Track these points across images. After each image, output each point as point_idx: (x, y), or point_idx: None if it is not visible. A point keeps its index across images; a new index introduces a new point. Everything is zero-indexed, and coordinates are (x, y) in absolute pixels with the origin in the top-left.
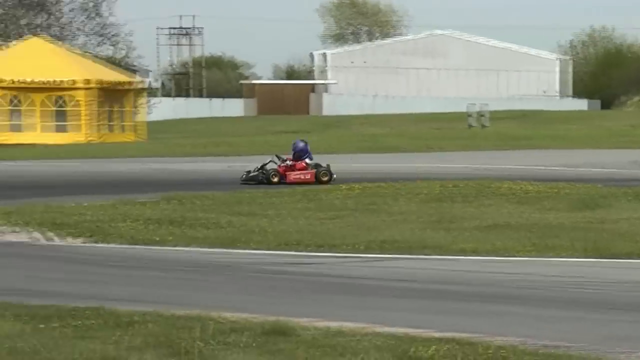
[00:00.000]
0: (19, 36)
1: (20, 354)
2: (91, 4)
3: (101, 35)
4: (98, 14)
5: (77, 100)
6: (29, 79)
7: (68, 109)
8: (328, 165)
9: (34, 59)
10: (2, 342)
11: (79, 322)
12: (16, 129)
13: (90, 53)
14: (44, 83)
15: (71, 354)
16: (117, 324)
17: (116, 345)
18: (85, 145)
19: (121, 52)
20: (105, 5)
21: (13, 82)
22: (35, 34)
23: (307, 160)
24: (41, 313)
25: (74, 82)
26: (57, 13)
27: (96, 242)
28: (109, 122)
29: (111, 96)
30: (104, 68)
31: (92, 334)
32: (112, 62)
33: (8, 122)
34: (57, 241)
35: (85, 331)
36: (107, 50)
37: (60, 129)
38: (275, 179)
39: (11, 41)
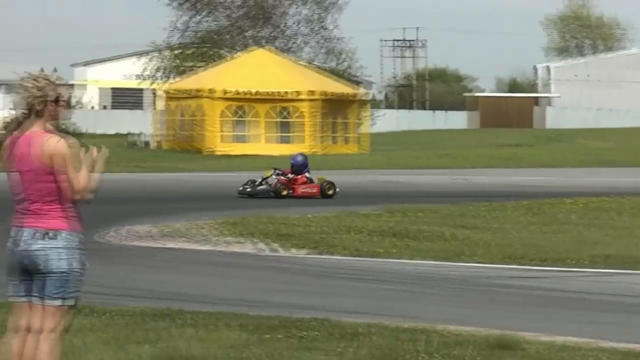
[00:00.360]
0: (244, 47)
1: None
2: (316, 17)
3: (325, 48)
4: (323, 27)
5: (301, 112)
6: (253, 90)
7: (292, 120)
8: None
9: (259, 70)
10: (228, 352)
11: (304, 333)
12: (240, 139)
13: (314, 65)
14: (268, 94)
15: None
16: (342, 335)
17: (340, 356)
18: (309, 156)
19: (345, 64)
20: (330, 18)
21: (238, 92)
22: (260, 46)
23: (307, 174)
24: (266, 323)
25: (299, 93)
26: (282, 26)
27: (320, 253)
28: (333, 133)
29: (335, 108)
30: (328, 80)
31: (317, 345)
32: (336, 73)
33: (232, 133)
34: (281, 252)
35: (309, 342)
36: (331, 62)
37: (284, 140)
38: (285, 192)
39: (236, 52)
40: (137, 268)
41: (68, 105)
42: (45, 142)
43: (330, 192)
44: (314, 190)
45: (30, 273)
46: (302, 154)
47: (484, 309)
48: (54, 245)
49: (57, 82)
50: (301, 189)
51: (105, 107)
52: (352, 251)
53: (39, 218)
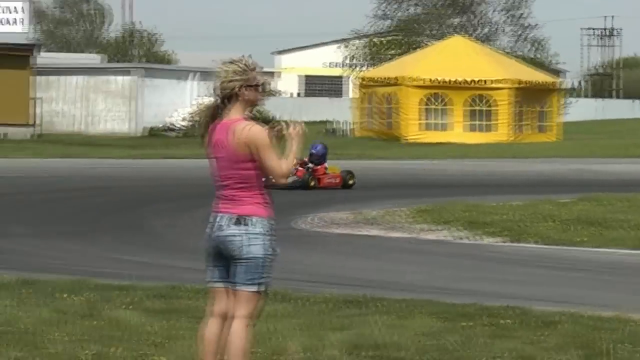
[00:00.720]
0: (441, 36)
1: (444, 351)
2: (513, 4)
3: (521, 36)
4: (520, 16)
5: (498, 100)
6: (448, 79)
7: (488, 108)
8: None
9: (455, 58)
10: (422, 340)
11: (499, 321)
12: (435, 127)
13: (511, 53)
14: (464, 82)
15: (489, 352)
16: (537, 323)
17: (536, 345)
18: (505, 145)
19: (541, 52)
20: (524, 6)
21: (433, 81)
22: (457, 34)
23: (325, 165)
24: (461, 311)
25: (495, 81)
26: (481, 15)
27: (514, 241)
28: (527, 122)
29: (532, 96)
30: (525, 68)
31: (512, 333)
32: (533, 62)
33: (427, 121)
34: (476, 240)
35: (504, 330)
36: (528, 51)
37: (480, 128)
38: (312, 183)
39: (433, 41)
40: (332, 255)
41: (263, 90)
42: (241, 129)
43: (351, 182)
44: (337, 181)
45: (226, 258)
46: (322, 143)
47: None
48: (248, 231)
49: (252, 67)
50: (327, 179)
51: (299, 95)
52: (545, 239)
53: (234, 204)
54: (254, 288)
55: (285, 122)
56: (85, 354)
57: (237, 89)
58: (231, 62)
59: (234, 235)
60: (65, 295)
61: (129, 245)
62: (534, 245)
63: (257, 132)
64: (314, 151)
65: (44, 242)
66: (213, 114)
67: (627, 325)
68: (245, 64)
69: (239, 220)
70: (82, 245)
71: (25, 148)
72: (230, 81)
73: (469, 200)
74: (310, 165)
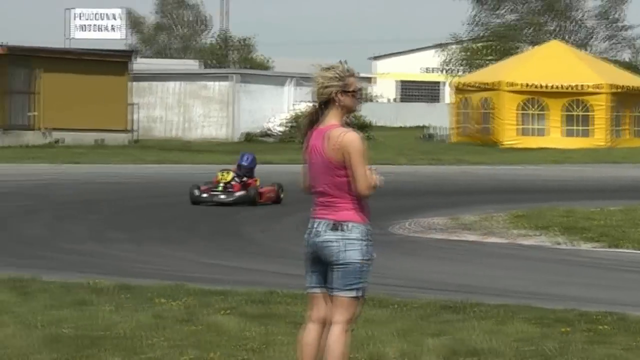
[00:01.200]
0: (537, 41)
1: (542, 357)
2: (608, 6)
3: (616, 39)
4: (616, 20)
5: (595, 105)
6: (544, 84)
7: (585, 113)
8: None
9: (552, 63)
10: (519, 345)
11: (598, 327)
12: (530, 132)
13: (608, 58)
14: (561, 87)
15: (587, 358)
16: (635, 329)
17: (632, 351)
18: (602, 150)
19: (637, 55)
20: (619, 11)
21: (528, 85)
22: (553, 39)
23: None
24: (560, 317)
25: (592, 86)
26: (575, 20)
27: (612, 246)
28: (626, 126)
29: (629, 101)
30: (622, 73)
31: (609, 339)
32: (630, 66)
33: (521, 126)
34: (573, 245)
35: (601, 336)
36: (624, 55)
37: (577, 133)
38: (257, 199)
39: (529, 46)
40: (429, 260)
41: (359, 96)
42: (337, 135)
43: (282, 195)
44: (273, 195)
45: (323, 264)
46: (252, 154)
47: None
48: (344, 237)
49: (349, 73)
50: (266, 195)
51: (395, 100)
52: None
53: (330, 210)
54: (352, 293)
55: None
56: (184, 359)
57: (333, 95)
58: (328, 69)
59: (331, 241)
60: (163, 300)
61: (226, 250)
62: (633, 251)
63: (352, 139)
64: (244, 163)
65: (142, 247)
66: (312, 120)
67: None
68: (341, 70)
69: (336, 226)
70: (179, 251)
71: (122, 154)
72: (327, 87)
73: (566, 205)
74: (244, 178)
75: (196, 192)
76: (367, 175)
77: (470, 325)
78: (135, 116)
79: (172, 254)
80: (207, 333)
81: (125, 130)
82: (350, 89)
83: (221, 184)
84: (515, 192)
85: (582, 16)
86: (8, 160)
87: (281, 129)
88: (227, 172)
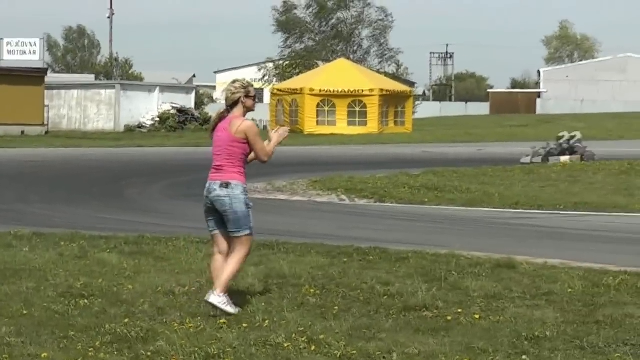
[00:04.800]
0: (329, 59)
1: (329, 278)
2: (378, 33)
3: (385, 57)
4: (383, 43)
5: (369, 104)
6: (334, 89)
7: (363, 109)
8: None
9: (340, 74)
10: (313, 271)
11: (369, 257)
12: (325, 123)
13: (378, 70)
14: (346, 91)
15: (360, 279)
16: (393, 259)
17: (391, 274)
18: (374, 135)
19: (400, 69)
20: (385, 36)
21: (323, 91)
22: (339, 57)
23: None
24: (342, 251)
25: (367, 90)
26: (355, 43)
27: (380, 202)
28: (391, 118)
29: (393, 100)
30: (388, 80)
31: (375, 266)
32: (393, 76)
33: (318, 119)
34: (353, 201)
35: (370, 264)
36: (389, 68)
37: (357, 124)
38: None
39: (323, 62)
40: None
41: (255, 99)
42: (240, 123)
43: None
44: None
45: (218, 212)
46: None
47: (495, 240)
48: (231, 194)
49: (248, 85)
50: None
51: None
52: (403, 200)
53: (221, 173)
54: (246, 231)
55: (279, 126)
56: (79, 284)
57: (241, 99)
58: (234, 82)
59: (222, 196)
60: (65, 243)
61: (111, 207)
62: (394, 204)
63: (250, 125)
64: None
65: (52, 205)
66: (221, 117)
67: (457, 259)
68: (244, 83)
69: (224, 185)
70: (79, 208)
71: (38, 141)
72: (235, 93)
73: (349, 173)
74: None
75: None
76: (264, 147)
77: (280, 258)
78: (48, 114)
79: (73, 210)
80: (95, 266)
81: (41, 124)
82: (251, 95)
83: None
84: (313, 165)
85: (361, 41)
86: None
87: (151, 122)
88: None
